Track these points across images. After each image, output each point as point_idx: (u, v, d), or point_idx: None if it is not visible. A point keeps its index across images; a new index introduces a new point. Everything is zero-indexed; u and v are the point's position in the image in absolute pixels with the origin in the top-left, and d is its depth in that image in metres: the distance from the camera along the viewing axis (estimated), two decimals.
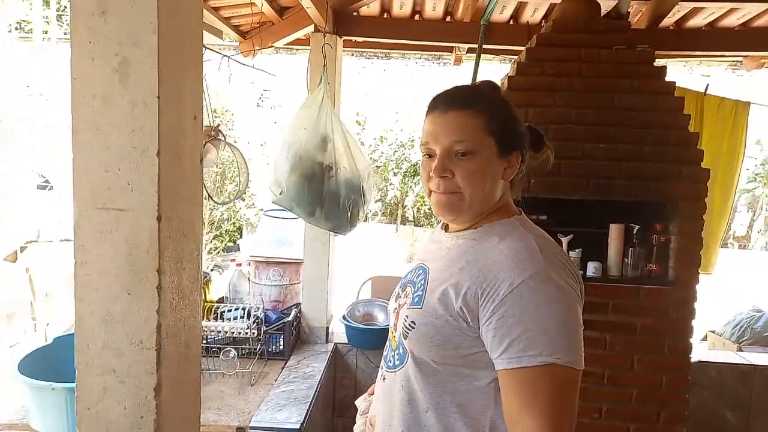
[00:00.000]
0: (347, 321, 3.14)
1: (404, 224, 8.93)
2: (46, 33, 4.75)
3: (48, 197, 4.75)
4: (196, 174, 1.11)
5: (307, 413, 2.28)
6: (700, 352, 3.11)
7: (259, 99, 9.17)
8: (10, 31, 5.59)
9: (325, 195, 2.72)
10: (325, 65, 2.85)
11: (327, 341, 3.17)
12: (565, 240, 2.51)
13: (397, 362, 1.11)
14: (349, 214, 2.67)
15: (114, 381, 0.98)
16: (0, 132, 4.69)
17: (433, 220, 8.84)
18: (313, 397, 2.43)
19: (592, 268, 2.47)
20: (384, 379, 1.15)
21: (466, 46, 3.38)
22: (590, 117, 2.47)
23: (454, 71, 9.14)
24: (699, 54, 3.40)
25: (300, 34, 3.32)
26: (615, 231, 2.50)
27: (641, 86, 2.47)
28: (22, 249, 4.58)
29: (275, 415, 2.25)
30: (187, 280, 1.08)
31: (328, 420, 3.07)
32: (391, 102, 9.37)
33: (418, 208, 8.84)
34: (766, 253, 10.76)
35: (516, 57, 2.88)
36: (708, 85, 3.24)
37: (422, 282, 1.11)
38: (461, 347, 1.02)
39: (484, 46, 3.04)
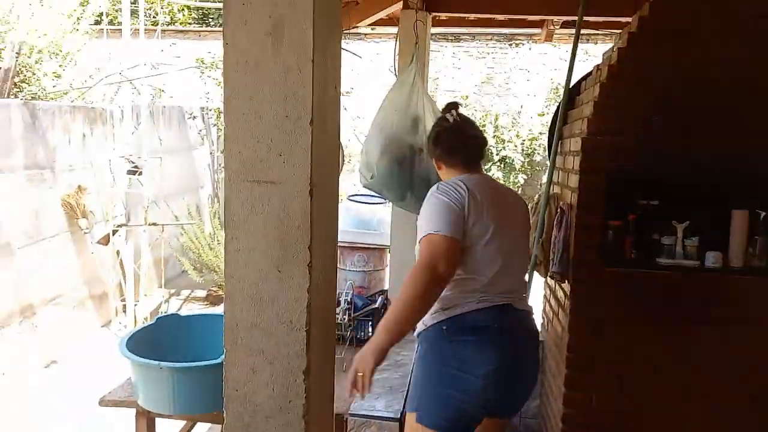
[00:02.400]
0: None
1: None
2: (133, 24, 4.91)
3: (137, 182, 4.93)
4: (336, 145, 1.06)
5: (405, 402, 2.22)
6: None
7: None
8: (99, 23, 5.83)
9: (416, 179, 2.65)
10: (416, 43, 2.76)
11: (413, 329, 3.10)
12: (680, 227, 2.32)
13: None
14: None
15: (263, 362, 0.94)
16: (94, 119, 4.89)
17: None
18: (408, 387, 2.37)
19: (711, 258, 2.27)
20: None
21: (561, 18, 3.19)
22: (710, 91, 2.26)
23: (530, 53, 8.79)
24: None
25: (386, 12, 3.24)
26: (738, 218, 2.28)
27: None
28: (114, 232, 4.77)
29: (373, 404, 2.20)
30: (328, 259, 1.03)
31: None
32: (458, 87, 9.17)
33: None
34: None
35: (620, 31, 2.69)
36: None
37: None
38: None
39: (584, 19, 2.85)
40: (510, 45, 8.82)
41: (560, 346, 2.52)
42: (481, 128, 2.04)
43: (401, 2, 2.98)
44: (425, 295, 1.53)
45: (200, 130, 7.45)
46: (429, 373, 1.69)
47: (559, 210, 2.57)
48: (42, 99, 5.00)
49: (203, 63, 7.63)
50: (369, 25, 3.53)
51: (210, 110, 7.60)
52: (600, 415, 2.37)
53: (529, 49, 8.71)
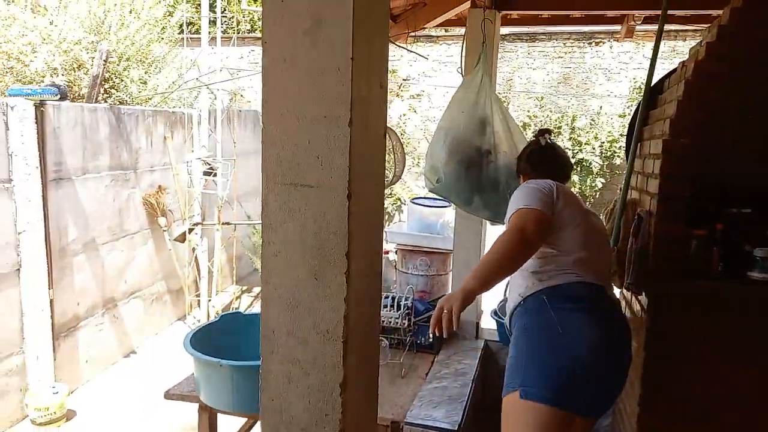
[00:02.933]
0: (499, 317, 2.94)
1: None
2: (211, 32, 5.11)
3: (212, 183, 5.12)
4: (381, 148, 1.00)
5: (464, 414, 2.14)
6: None
7: (399, 88, 9.18)
8: (182, 32, 6.12)
9: (484, 182, 2.55)
10: (484, 42, 2.66)
11: (477, 337, 3.01)
12: None
13: None
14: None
15: (298, 372, 0.90)
16: (174, 123, 5.13)
17: None
18: (468, 397, 2.28)
19: None
20: None
21: (644, 13, 2.97)
22: None
23: (611, 52, 8.38)
24: None
25: (454, 12, 3.16)
26: None
27: None
28: (190, 230, 4.97)
29: (431, 413, 2.14)
30: (371, 266, 0.98)
31: (479, 421, 2.91)
32: (533, 88, 8.88)
33: None
34: None
35: (708, 25, 2.46)
36: None
37: None
38: None
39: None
40: (589, 44, 8.44)
41: (635, 363, 2.34)
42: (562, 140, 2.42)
43: (469, 1, 2.89)
44: (513, 251, 1.60)
45: None
46: (534, 344, 1.67)
47: (636, 217, 2.38)
48: (128, 104, 5.31)
49: None
50: (439, 26, 3.46)
51: None
52: None
53: (610, 48, 8.30)
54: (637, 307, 2.44)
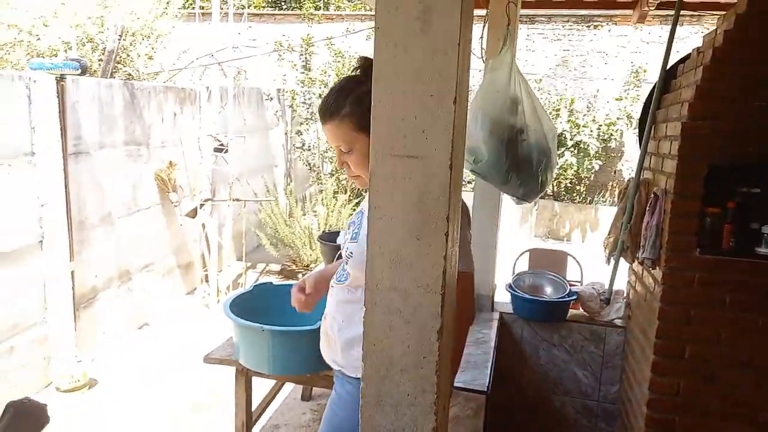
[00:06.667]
0: (514, 291, 3.09)
1: (543, 198, 8.60)
2: (222, 9, 5.13)
3: (221, 160, 5.18)
4: (465, 122, 1.12)
5: (490, 377, 2.29)
6: None
7: None
8: (186, 7, 6.10)
9: (520, 160, 2.64)
10: (509, 24, 2.75)
11: (492, 310, 3.15)
12: None
13: (342, 279, 1.53)
14: (540, 179, 2.58)
15: (399, 321, 1.02)
16: (184, 99, 5.16)
17: (574, 194, 8.42)
18: (492, 363, 2.43)
19: None
20: (332, 287, 1.58)
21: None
22: None
23: (609, 35, 8.47)
24: None
25: None
26: None
27: None
28: (201, 206, 5.05)
29: (459, 377, 2.28)
30: (458, 228, 1.10)
31: (497, 386, 3.07)
32: (532, 69, 8.98)
33: (559, 182, 8.44)
34: None
35: (718, 12, 2.58)
36: None
37: (360, 223, 1.49)
38: None
39: None
40: (588, 27, 8.54)
41: (647, 332, 2.50)
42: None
43: None
44: None
45: (276, 111, 7.70)
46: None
47: (652, 195, 2.53)
48: (136, 80, 5.32)
49: (281, 46, 7.83)
50: None
51: (285, 92, 7.82)
52: (687, 401, 2.34)
53: (609, 31, 8.40)
54: (649, 280, 2.59)
